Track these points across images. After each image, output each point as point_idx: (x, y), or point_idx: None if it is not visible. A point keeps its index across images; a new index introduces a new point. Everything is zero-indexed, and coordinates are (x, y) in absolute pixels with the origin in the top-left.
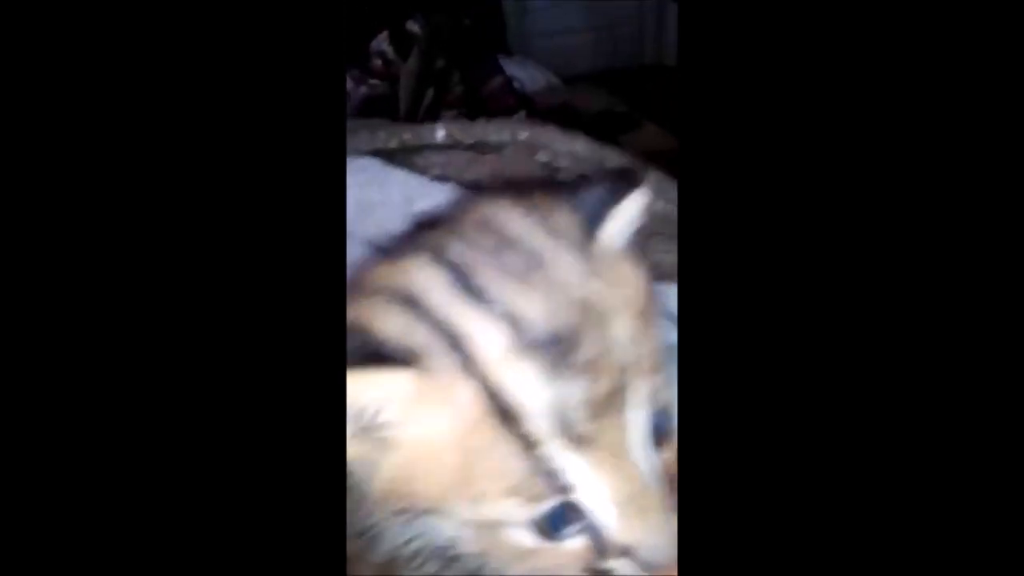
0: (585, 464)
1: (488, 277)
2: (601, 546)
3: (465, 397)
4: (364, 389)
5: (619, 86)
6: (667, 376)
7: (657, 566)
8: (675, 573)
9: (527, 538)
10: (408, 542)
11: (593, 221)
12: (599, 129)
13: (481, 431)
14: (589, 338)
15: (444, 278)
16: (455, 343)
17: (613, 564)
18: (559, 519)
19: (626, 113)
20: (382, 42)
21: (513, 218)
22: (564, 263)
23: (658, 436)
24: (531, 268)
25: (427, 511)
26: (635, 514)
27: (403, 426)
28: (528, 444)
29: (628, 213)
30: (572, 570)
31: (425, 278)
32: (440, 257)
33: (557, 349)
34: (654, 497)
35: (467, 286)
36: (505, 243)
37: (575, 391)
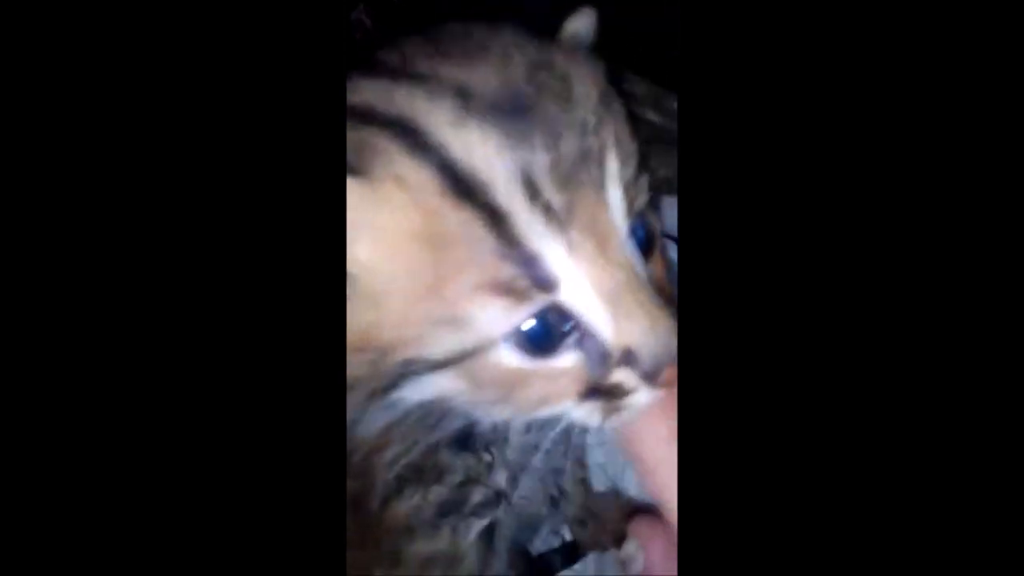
0: (563, 247)
1: (426, 62)
2: (599, 355)
3: (418, 180)
4: None
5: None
6: (642, 185)
7: (661, 375)
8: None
9: (514, 359)
10: (390, 412)
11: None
12: None
13: (444, 213)
14: (548, 101)
15: (382, 80)
16: (398, 130)
17: (618, 376)
18: (545, 331)
19: None
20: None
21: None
22: (509, 43)
23: (642, 247)
24: (473, 47)
25: (404, 369)
26: (628, 310)
27: (360, 243)
28: (496, 218)
29: (573, 25)
30: (572, 392)
31: (360, 85)
32: (371, 68)
33: (513, 114)
34: (646, 291)
35: (404, 74)
36: (438, 38)
37: (539, 156)
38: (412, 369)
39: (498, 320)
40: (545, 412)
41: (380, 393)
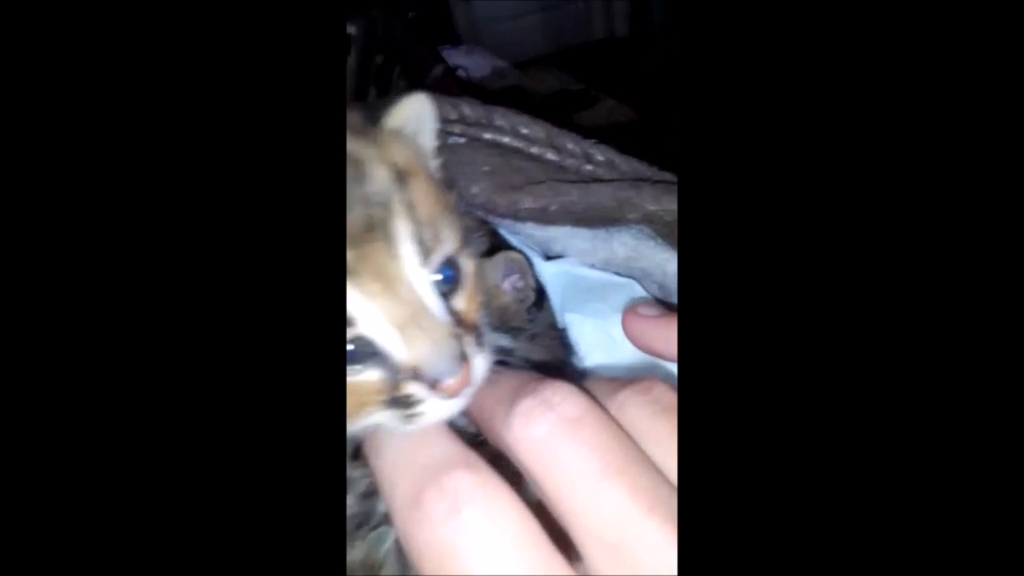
0: (358, 291)
1: None
2: (393, 371)
3: None
4: None
5: (571, 64)
6: (454, 233)
7: (445, 383)
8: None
9: None
10: None
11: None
12: (553, 109)
13: None
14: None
15: None
16: None
17: (410, 388)
18: (353, 353)
19: (581, 91)
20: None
21: None
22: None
23: (448, 286)
24: None
25: None
26: (414, 336)
27: None
28: None
29: (402, 111)
30: (376, 401)
31: None
32: None
33: None
34: (434, 319)
35: None
36: None
37: None
38: None
39: None
40: (363, 420)
41: None
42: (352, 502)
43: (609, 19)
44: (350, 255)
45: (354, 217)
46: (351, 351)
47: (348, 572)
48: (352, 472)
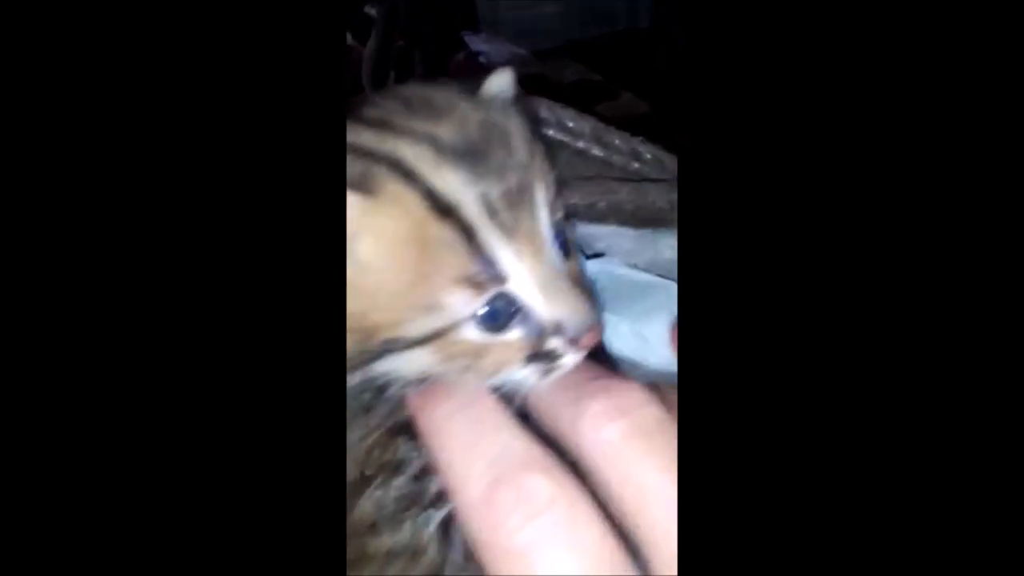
0: (511, 252)
1: (403, 117)
2: (537, 329)
3: (409, 200)
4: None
5: (592, 55)
6: (558, 206)
7: (583, 338)
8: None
9: (476, 335)
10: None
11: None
12: (573, 99)
13: (428, 225)
14: (496, 148)
15: (373, 129)
16: (393, 165)
17: (551, 344)
18: (498, 312)
19: (600, 82)
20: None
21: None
22: (461, 104)
23: (562, 250)
24: (435, 109)
25: (386, 347)
26: (556, 295)
27: (362, 244)
28: (467, 231)
29: (493, 84)
30: (518, 358)
31: (352, 130)
32: (361, 118)
33: (473, 157)
34: (567, 281)
35: (390, 126)
36: (408, 99)
37: (493, 187)
38: (393, 346)
39: (464, 305)
40: (499, 378)
41: (362, 365)
42: (403, 482)
43: (632, 11)
44: (507, 217)
45: (511, 181)
46: (492, 310)
47: (392, 554)
48: (409, 451)
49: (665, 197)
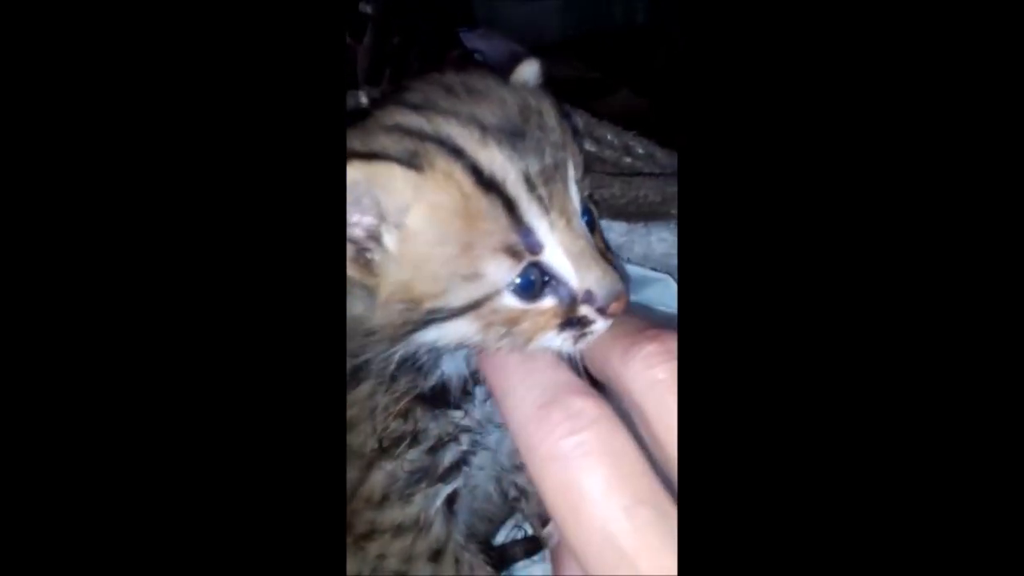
0: (546, 224)
1: (447, 100)
2: (569, 297)
3: (457, 175)
4: (386, 185)
5: (589, 52)
6: (585, 184)
7: (611, 306)
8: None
9: (513, 302)
10: (405, 349)
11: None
12: (571, 96)
13: (474, 198)
14: (534, 128)
15: (418, 111)
16: (441, 144)
17: (583, 311)
18: (532, 282)
19: (598, 79)
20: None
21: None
22: (499, 88)
23: (589, 225)
24: (476, 94)
25: (430, 316)
26: (586, 264)
27: (414, 215)
28: (508, 204)
29: (523, 71)
30: (553, 324)
31: (399, 113)
32: (408, 103)
33: (514, 136)
34: (596, 252)
35: (435, 109)
36: (449, 85)
37: (533, 164)
38: (437, 315)
39: (502, 274)
40: (535, 344)
41: (405, 335)
42: (417, 455)
43: (629, 7)
44: (544, 192)
45: (548, 158)
46: (526, 280)
47: (401, 528)
48: (428, 421)
49: (657, 191)
